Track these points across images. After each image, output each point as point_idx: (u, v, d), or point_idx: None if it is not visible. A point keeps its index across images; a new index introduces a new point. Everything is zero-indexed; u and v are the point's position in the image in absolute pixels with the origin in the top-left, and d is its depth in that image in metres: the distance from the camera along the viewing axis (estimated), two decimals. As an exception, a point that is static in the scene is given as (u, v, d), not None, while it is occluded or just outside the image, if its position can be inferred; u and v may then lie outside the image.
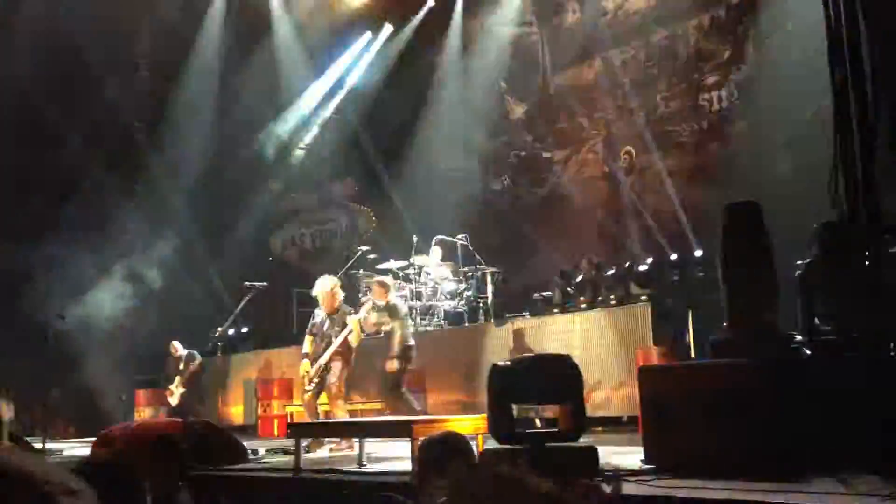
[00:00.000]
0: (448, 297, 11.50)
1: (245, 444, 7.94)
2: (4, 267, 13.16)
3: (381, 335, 11.29)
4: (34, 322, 12.39)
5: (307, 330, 8.87)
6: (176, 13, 14.58)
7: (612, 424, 8.96)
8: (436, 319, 11.46)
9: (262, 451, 8.23)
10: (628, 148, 12.81)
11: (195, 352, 12.34)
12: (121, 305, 13.80)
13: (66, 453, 9.54)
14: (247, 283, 11.30)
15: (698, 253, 10.37)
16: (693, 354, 8.41)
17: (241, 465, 7.17)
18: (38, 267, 13.22)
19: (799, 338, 5.27)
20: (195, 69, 15.29)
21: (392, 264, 11.75)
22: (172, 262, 14.48)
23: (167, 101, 15.10)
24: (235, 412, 13.11)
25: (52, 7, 13.27)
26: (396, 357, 8.91)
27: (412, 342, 9.14)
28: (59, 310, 12.37)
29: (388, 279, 9.79)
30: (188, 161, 15.04)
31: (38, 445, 9.21)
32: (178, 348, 12.33)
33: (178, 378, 12.13)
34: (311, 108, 16.31)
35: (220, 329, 12.54)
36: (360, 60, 16.01)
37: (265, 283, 11.37)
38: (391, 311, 9.18)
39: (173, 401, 12.08)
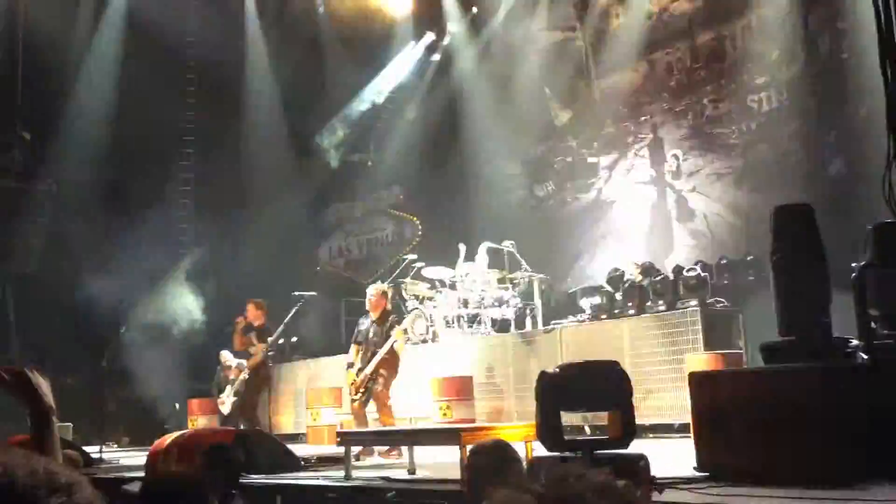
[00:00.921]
0: (495, 304, 11.48)
1: (296, 452, 8.01)
2: (66, 279, 13.51)
3: (427, 343, 11.36)
4: (93, 332, 12.68)
5: (352, 339, 8.94)
6: (220, 25, 14.88)
7: (663, 432, 8.84)
8: (482, 327, 11.44)
9: (312, 460, 8.29)
10: (675, 151, 12.68)
11: (244, 361, 12.49)
12: (176, 315, 14.05)
13: (122, 462, 9.72)
14: (296, 292, 11.39)
15: (749, 257, 10.21)
16: (745, 360, 8.27)
17: (292, 473, 7.23)
18: (99, 279, 13.53)
19: (854, 343, 5.15)
20: (244, 81, 15.59)
21: (438, 272, 11.77)
22: (224, 273, 14.70)
23: (219, 113, 15.39)
24: (286, 421, 13.23)
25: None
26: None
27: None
28: (119, 320, 12.66)
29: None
30: (239, 171, 15.32)
31: (95, 454, 9.40)
32: (228, 358, 12.49)
33: (228, 387, 12.29)
34: (356, 116, 16.45)
35: (270, 339, 12.67)
36: (403, 69, 16.11)
37: (314, 293, 11.47)
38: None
39: (225, 410, 12.23)
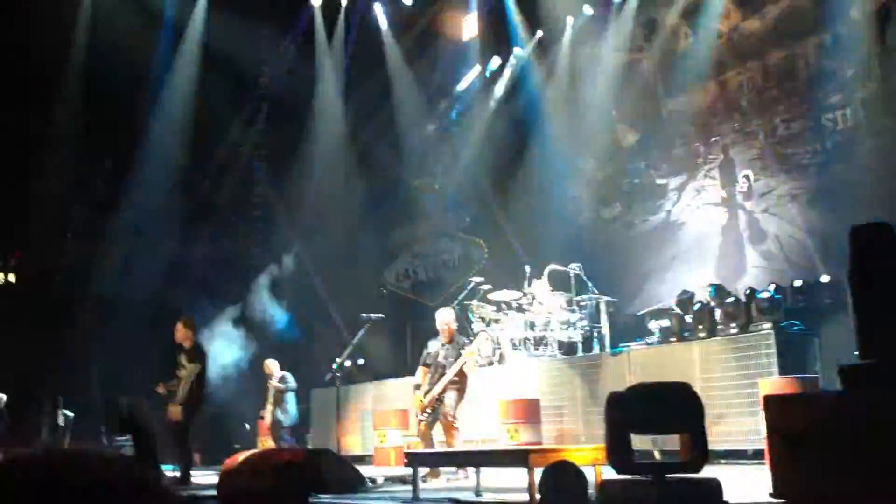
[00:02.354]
0: (561, 326, 11.40)
1: (363, 473, 8.05)
2: (142, 301, 13.92)
3: (494, 365, 11.33)
4: (167, 354, 13.00)
5: (421, 361, 8.98)
6: (290, 52, 15.26)
7: (735, 458, 8.63)
8: (549, 349, 11.37)
9: (380, 480, 8.33)
10: (747, 172, 12.45)
11: (288, 374, 12.67)
12: (246, 339, 14.33)
13: (194, 481, 9.91)
14: (363, 314, 11.52)
15: (825, 279, 9.94)
16: (822, 384, 8.02)
17: (360, 494, 7.27)
18: (174, 301, 13.90)
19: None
20: (313, 106, 15.93)
21: (505, 294, 11.75)
22: (293, 296, 14.95)
23: (289, 138, 15.75)
24: (353, 442, 13.31)
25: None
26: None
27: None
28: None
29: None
30: (308, 195, 15.60)
31: (170, 473, 9.60)
32: (273, 368, 12.68)
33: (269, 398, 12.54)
34: (423, 139, 16.61)
35: (338, 360, 12.81)
36: (470, 92, 16.23)
37: (381, 315, 11.58)
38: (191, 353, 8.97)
39: (267, 421, 12.45)
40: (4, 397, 12.59)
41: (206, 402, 9.67)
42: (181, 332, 9.24)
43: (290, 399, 12.64)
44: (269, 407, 12.53)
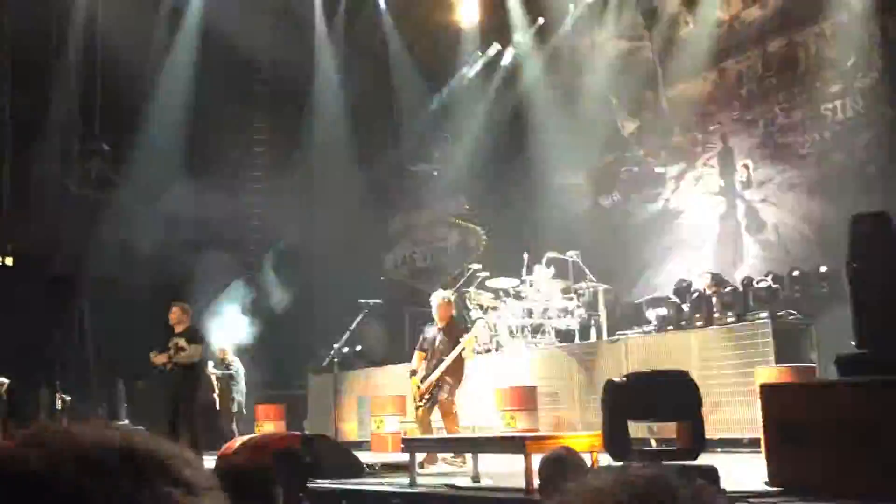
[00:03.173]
0: (559, 314, 11.42)
1: (360, 459, 8.08)
2: (140, 284, 13.93)
3: (491, 352, 11.35)
4: (164, 337, 13.01)
5: (417, 346, 8.98)
6: (290, 37, 15.21)
7: (731, 446, 8.66)
8: (546, 337, 11.38)
9: (377, 466, 8.36)
10: (746, 161, 12.44)
11: (235, 360, 12.66)
12: (245, 323, 14.34)
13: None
14: (361, 300, 11.52)
15: (822, 268, 9.96)
16: (818, 374, 8.05)
17: (357, 480, 7.30)
18: (171, 285, 13.89)
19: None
20: (312, 92, 15.91)
21: (503, 282, 11.75)
22: (292, 282, 14.96)
23: (288, 123, 15.73)
24: (349, 428, 13.34)
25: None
26: None
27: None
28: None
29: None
30: (307, 180, 15.61)
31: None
32: (226, 355, 12.66)
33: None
34: (423, 125, 16.58)
35: (335, 346, 12.83)
36: (469, 79, 16.18)
37: (379, 301, 11.58)
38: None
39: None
40: (6, 381, 12.61)
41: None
42: (176, 315, 9.31)
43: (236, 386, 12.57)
44: (216, 395, 12.49)
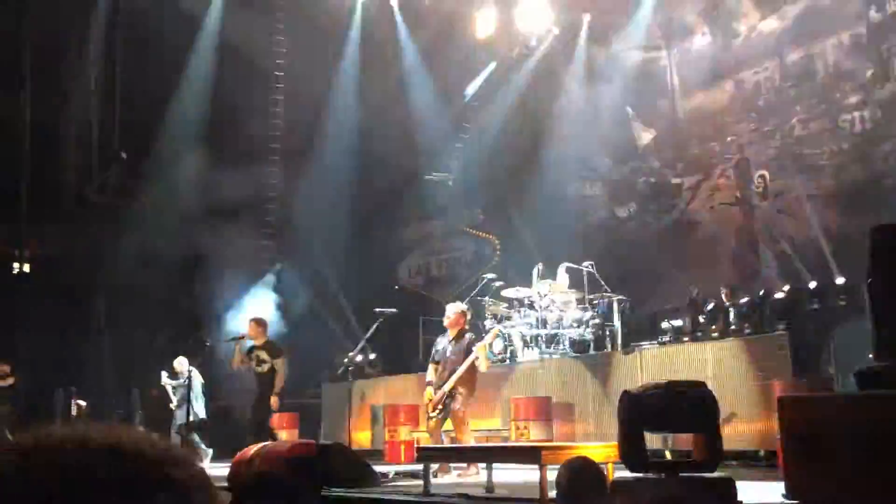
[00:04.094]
0: (573, 324, 11.38)
1: (374, 468, 8.06)
2: (155, 291, 13.99)
3: (505, 362, 11.33)
4: (179, 345, 13.07)
5: (430, 358, 8.97)
6: (307, 46, 15.29)
7: (747, 459, 8.60)
8: (561, 347, 11.35)
9: (391, 475, 8.34)
10: (762, 172, 12.39)
11: (193, 371, 12.62)
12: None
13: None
14: (376, 309, 11.53)
15: (840, 280, 9.89)
16: (836, 387, 7.98)
17: (371, 488, 7.28)
18: (186, 292, 13.96)
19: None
20: (329, 101, 15.97)
21: (517, 292, 11.73)
22: (307, 290, 14.99)
23: (304, 132, 15.80)
24: (363, 437, 13.33)
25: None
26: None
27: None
28: (204, 334, 13.01)
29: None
30: (322, 189, 15.64)
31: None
32: (180, 367, 12.60)
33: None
34: (438, 135, 16.60)
35: (350, 355, 12.84)
36: (485, 89, 16.20)
37: (394, 310, 11.59)
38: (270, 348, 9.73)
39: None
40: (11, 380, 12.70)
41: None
42: (253, 330, 9.91)
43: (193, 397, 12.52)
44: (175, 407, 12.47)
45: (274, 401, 9.69)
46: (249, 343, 10.03)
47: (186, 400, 12.13)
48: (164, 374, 12.47)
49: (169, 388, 12.55)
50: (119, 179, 14.84)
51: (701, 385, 4.84)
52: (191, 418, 12.14)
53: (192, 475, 0.80)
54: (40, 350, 13.67)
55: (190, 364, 12.07)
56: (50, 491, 0.71)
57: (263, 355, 9.75)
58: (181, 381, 12.34)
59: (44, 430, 0.78)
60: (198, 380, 12.41)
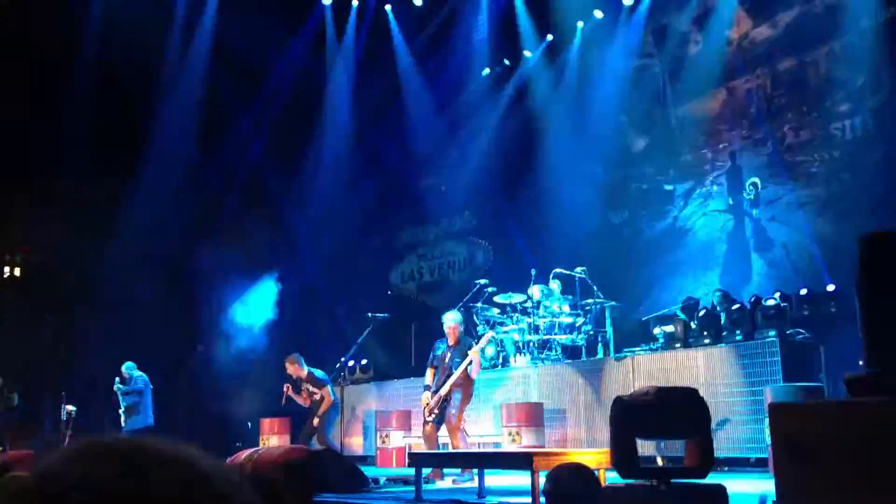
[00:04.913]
0: (566, 330, 11.40)
1: (365, 473, 8.05)
2: (146, 300, 13.95)
3: (497, 368, 11.33)
4: (170, 351, 13.03)
5: (428, 363, 9.01)
6: (301, 51, 15.30)
7: (738, 465, 8.62)
8: (553, 353, 11.36)
9: (382, 481, 8.34)
10: (754, 179, 12.44)
11: (141, 376, 12.61)
12: (252, 336, 14.34)
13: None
14: (368, 314, 11.53)
15: (830, 287, 9.92)
16: (826, 393, 8.01)
17: (362, 494, 7.27)
18: (178, 299, 13.93)
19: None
20: (323, 105, 15.98)
21: (510, 297, 11.74)
22: (298, 295, 14.97)
23: (298, 137, 15.80)
24: (355, 442, 13.32)
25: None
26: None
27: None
28: (195, 340, 12.97)
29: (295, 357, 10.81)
30: (316, 194, 15.64)
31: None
32: (129, 373, 12.57)
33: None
34: (431, 140, 16.62)
35: (342, 360, 12.84)
36: (478, 94, 16.23)
37: (386, 315, 11.58)
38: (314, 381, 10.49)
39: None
40: None
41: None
42: (291, 368, 10.69)
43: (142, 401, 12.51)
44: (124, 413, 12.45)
45: (316, 421, 10.47)
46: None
47: (137, 406, 12.17)
48: (117, 380, 12.41)
49: (119, 395, 12.47)
50: (112, 184, 14.80)
51: (692, 391, 4.85)
52: (142, 424, 12.17)
53: (234, 484, 0.80)
54: (30, 354, 13.62)
55: (180, 369, 12.07)
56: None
57: (311, 387, 10.63)
58: (131, 387, 12.33)
59: (149, 442, 0.78)
60: (148, 386, 12.43)
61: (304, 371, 10.66)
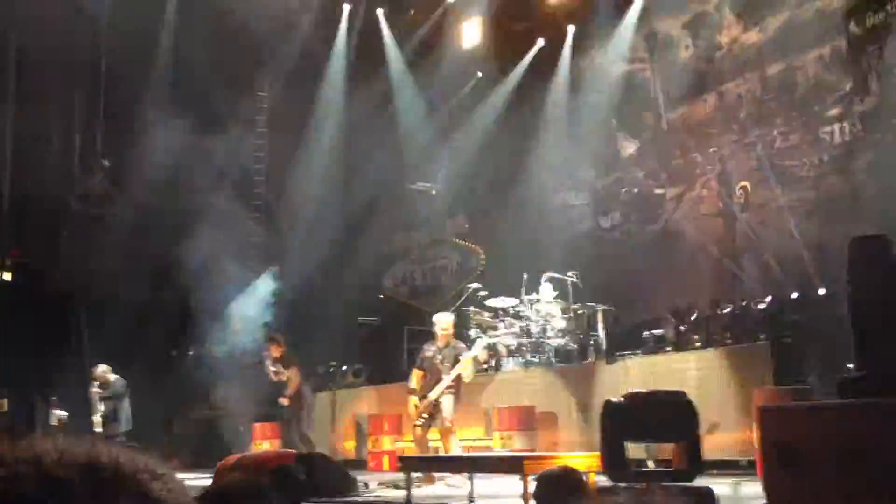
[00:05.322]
0: (557, 334, 11.41)
1: (356, 477, 8.04)
2: (139, 301, 13.91)
3: (489, 372, 11.34)
4: (161, 354, 12.99)
5: (416, 364, 8.99)
6: (292, 55, 15.29)
7: (729, 468, 8.63)
8: (545, 357, 11.37)
9: (373, 485, 8.33)
10: (744, 183, 12.48)
11: (118, 379, 12.59)
12: (243, 340, 14.30)
13: (186, 483, 9.89)
14: (360, 318, 11.54)
15: (821, 291, 9.97)
16: (816, 397, 8.03)
17: (352, 498, 7.26)
18: (170, 302, 13.87)
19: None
20: (315, 111, 15.98)
21: (502, 301, 11.75)
22: (290, 298, 14.94)
23: (286, 140, 15.78)
24: (347, 446, 13.30)
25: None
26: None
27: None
28: (187, 344, 12.95)
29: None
30: (307, 199, 15.63)
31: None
32: (104, 375, 12.52)
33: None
34: (423, 144, 16.63)
35: (333, 364, 12.83)
36: (469, 99, 16.25)
37: (377, 319, 11.60)
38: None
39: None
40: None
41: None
42: (273, 347, 11.36)
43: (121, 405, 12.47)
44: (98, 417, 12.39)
45: (283, 399, 11.03)
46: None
47: (117, 412, 12.13)
48: (95, 384, 12.34)
49: (95, 399, 12.39)
50: (102, 187, 14.75)
51: (680, 395, 4.87)
52: (122, 429, 12.13)
53: (170, 489, 0.80)
54: (19, 359, 13.55)
55: (171, 372, 12.05)
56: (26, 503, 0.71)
57: (279, 367, 11.11)
58: (108, 391, 12.28)
59: (25, 442, 0.78)
60: (127, 390, 12.39)
61: (280, 352, 11.26)
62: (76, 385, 13.05)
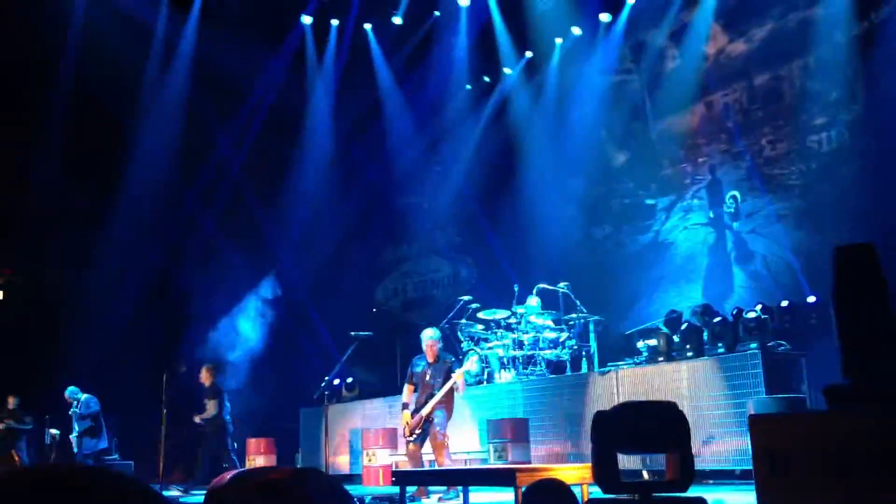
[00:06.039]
0: (550, 345, 11.42)
1: (350, 492, 8.02)
2: (129, 318, 13.87)
3: (482, 384, 11.34)
4: (153, 371, 12.95)
5: (406, 379, 8.98)
6: (282, 70, 15.33)
7: (723, 478, 8.65)
8: (538, 368, 11.38)
9: (367, 500, 8.31)
10: (734, 192, 12.56)
11: (91, 399, 12.65)
12: (235, 354, 14.28)
13: (181, 500, 9.87)
14: (352, 332, 11.52)
15: (811, 299, 10.01)
16: (808, 405, 8.07)
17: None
18: (160, 318, 13.84)
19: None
20: (304, 123, 16.01)
21: (494, 313, 11.76)
22: (282, 313, 14.93)
23: (276, 154, 15.80)
24: (341, 461, 13.27)
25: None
26: None
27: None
28: (179, 359, 12.94)
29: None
30: (298, 213, 15.63)
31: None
32: (75, 396, 12.61)
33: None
34: (413, 158, 16.67)
35: (326, 378, 12.79)
36: (458, 111, 16.31)
37: (370, 333, 11.58)
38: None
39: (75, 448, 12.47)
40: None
41: (228, 430, 11.93)
42: (203, 375, 11.77)
43: (97, 424, 12.55)
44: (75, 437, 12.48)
45: (197, 418, 11.65)
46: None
47: (93, 429, 12.25)
48: (74, 404, 12.47)
49: (74, 420, 12.47)
50: (91, 204, 14.73)
51: (671, 405, 4.88)
52: (100, 447, 12.23)
53: (124, 498, 0.81)
54: (12, 377, 13.50)
55: (165, 391, 12.01)
56: None
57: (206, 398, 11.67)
58: (88, 410, 12.40)
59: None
60: (99, 407, 12.51)
61: (210, 381, 11.71)
62: (67, 404, 13.03)
